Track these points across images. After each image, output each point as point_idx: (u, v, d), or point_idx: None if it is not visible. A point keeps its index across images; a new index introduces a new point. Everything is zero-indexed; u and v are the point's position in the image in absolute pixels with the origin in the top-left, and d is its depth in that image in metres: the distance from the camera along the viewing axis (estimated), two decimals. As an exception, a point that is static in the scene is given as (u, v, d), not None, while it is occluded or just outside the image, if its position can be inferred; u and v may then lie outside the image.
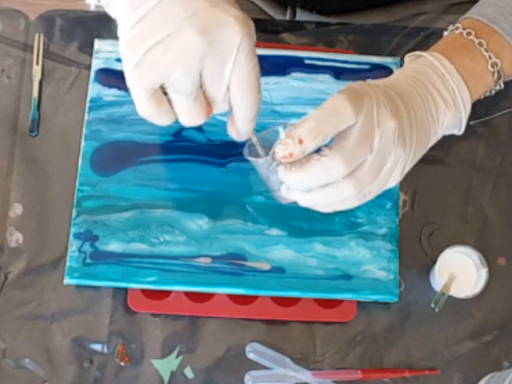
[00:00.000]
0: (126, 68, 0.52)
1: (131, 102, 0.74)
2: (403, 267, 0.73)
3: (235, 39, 0.51)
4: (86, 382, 0.70)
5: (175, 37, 0.50)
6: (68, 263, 0.71)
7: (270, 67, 0.77)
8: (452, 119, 0.61)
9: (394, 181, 0.58)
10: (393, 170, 0.56)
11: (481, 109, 0.78)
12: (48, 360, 0.71)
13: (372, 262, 0.72)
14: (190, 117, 0.55)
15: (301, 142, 0.52)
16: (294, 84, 0.77)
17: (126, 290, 0.72)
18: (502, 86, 0.65)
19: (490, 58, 0.62)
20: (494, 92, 0.66)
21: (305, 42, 0.81)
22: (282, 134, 0.55)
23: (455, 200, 0.76)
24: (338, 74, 0.77)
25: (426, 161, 0.76)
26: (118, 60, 0.76)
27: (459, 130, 0.63)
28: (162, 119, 0.55)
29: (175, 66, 0.51)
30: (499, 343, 0.73)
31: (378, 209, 0.73)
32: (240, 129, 0.56)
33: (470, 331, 0.73)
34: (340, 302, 0.72)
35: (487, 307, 0.74)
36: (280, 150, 0.53)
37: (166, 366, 0.71)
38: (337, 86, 0.77)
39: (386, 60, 0.78)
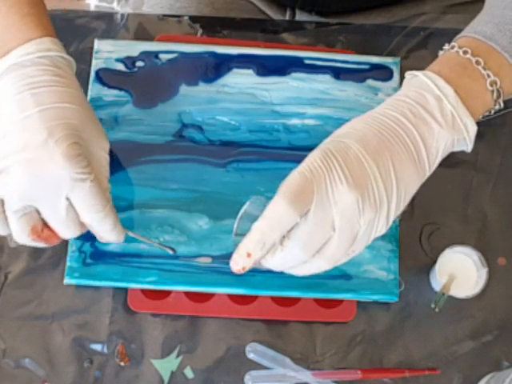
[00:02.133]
0: None
1: (131, 102, 0.75)
2: (403, 267, 0.73)
3: (61, 175, 0.56)
4: (86, 382, 0.71)
5: (12, 173, 0.56)
6: (68, 263, 0.71)
7: (269, 67, 0.77)
8: (453, 141, 0.58)
9: (380, 232, 0.57)
10: (371, 230, 0.56)
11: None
12: (48, 360, 0.71)
13: (372, 262, 0.72)
14: (14, 232, 0.59)
15: (249, 255, 0.55)
16: (293, 84, 0.77)
17: (125, 290, 0.72)
18: (502, 105, 0.61)
19: (489, 76, 0.59)
20: (493, 112, 0.62)
21: (305, 42, 0.81)
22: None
23: (455, 200, 0.76)
24: (338, 73, 0.77)
25: (425, 161, 0.77)
26: (118, 60, 0.76)
27: (467, 148, 0.60)
28: None
29: (9, 191, 0.57)
30: (499, 343, 0.73)
31: (377, 209, 0.73)
32: (108, 239, 0.62)
33: (469, 331, 0.73)
34: (340, 301, 0.72)
35: (487, 307, 0.74)
36: (233, 265, 0.56)
37: (166, 366, 0.71)
38: (337, 85, 0.77)
39: (386, 60, 0.78)
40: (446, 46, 0.62)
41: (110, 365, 0.71)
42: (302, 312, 0.72)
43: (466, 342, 0.73)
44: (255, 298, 0.72)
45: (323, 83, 0.77)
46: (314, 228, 0.54)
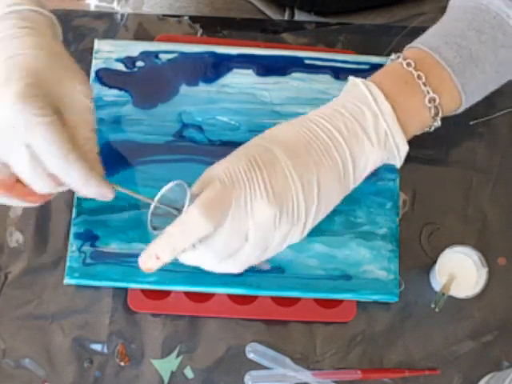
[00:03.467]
0: None
1: (131, 102, 0.75)
2: (403, 267, 0.73)
3: (14, 119, 0.51)
4: (86, 382, 0.71)
5: None
6: (68, 263, 0.71)
7: (269, 67, 0.77)
8: (382, 159, 0.57)
9: (293, 241, 0.56)
10: (284, 241, 0.55)
11: (481, 109, 0.78)
12: (48, 360, 0.71)
13: (372, 262, 0.72)
14: None
15: (158, 258, 0.54)
16: (293, 84, 0.77)
17: (125, 290, 0.72)
18: (439, 123, 0.59)
19: (428, 92, 0.57)
20: (432, 128, 0.60)
21: (304, 42, 0.81)
22: (188, 193, 0.55)
23: (455, 200, 0.76)
24: (338, 73, 0.77)
25: (425, 161, 0.77)
26: (118, 60, 0.76)
27: (397, 165, 0.59)
28: None
29: None
30: (499, 343, 0.73)
31: (378, 209, 0.73)
32: (88, 194, 0.56)
33: (469, 331, 0.73)
34: (340, 301, 0.72)
35: (487, 307, 0.74)
36: (141, 264, 0.55)
37: (166, 366, 0.71)
38: (337, 85, 0.77)
39: (386, 60, 0.78)
40: (393, 56, 0.61)
41: (110, 365, 0.71)
42: (302, 312, 0.72)
43: (466, 342, 0.73)
44: (255, 298, 0.72)
45: (323, 83, 0.77)
46: (228, 238, 0.53)
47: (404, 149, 0.57)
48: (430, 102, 0.58)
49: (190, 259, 0.55)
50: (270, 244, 0.55)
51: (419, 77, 0.58)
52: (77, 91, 0.55)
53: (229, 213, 0.53)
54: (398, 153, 0.57)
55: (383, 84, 0.57)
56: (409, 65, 0.58)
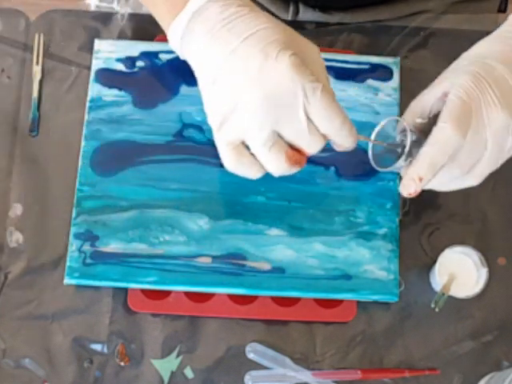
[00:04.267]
0: (212, 126, 0.58)
1: (131, 102, 0.75)
2: (403, 267, 0.73)
3: (293, 87, 0.54)
4: (86, 382, 0.70)
5: (243, 107, 0.55)
6: (68, 263, 0.71)
7: (270, 67, 0.77)
8: None
9: None
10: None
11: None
12: (48, 360, 0.71)
13: (372, 262, 0.72)
14: (271, 165, 0.58)
15: (420, 179, 0.58)
16: (294, 84, 0.77)
17: (125, 289, 0.72)
18: None
19: None
20: None
21: (305, 42, 0.81)
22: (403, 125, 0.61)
23: (455, 200, 0.76)
24: (338, 74, 0.77)
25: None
26: (118, 60, 0.76)
27: None
28: (246, 171, 0.59)
29: (248, 128, 0.56)
30: (499, 343, 0.73)
31: (377, 209, 0.73)
32: (346, 146, 0.59)
33: (469, 331, 0.73)
34: (340, 301, 0.72)
35: (487, 307, 0.74)
36: (403, 190, 0.60)
37: (166, 366, 0.71)
38: (337, 85, 0.76)
39: (386, 60, 0.78)
40: None
41: (110, 365, 0.71)
42: (302, 312, 0.72)
43: (466, 342, 0.73)
44: (255, 297, 0.72)
45: (323, 83, 0.77)
46: (471, 148, 0.58)
47: None
48: None
49: (441, 177, 0.60)
50: (504, 149, 0.59)
51: None
52: (313, 54, 0.58)
53: (471, 123, 0.57)
54: None
55: None
56: None
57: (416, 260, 0.74)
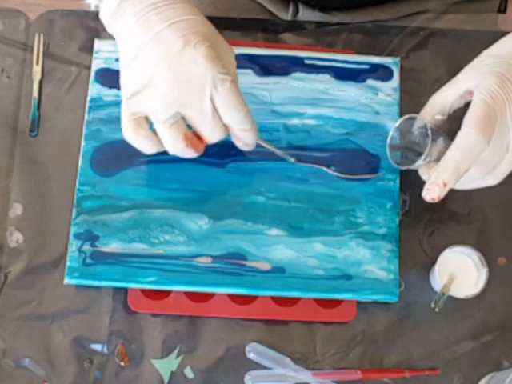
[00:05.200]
0: (122, 96, 0.62)
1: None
2: (403, 267, 0.73)
3: (204, 75, 0.58)
4: (86, 382, 0.71)
5: (155, 85, 0.59)
6: (68, 263, 0.71)
7: (270, 67, 0.77)
8: None
9: None
10: None
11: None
12: (48, 360, 0.71)
13: (372, 262, 0.72)
14: (168, 141, 0.62)
15: (445, 185, 0.59)
16: (293, 84, 0.77)
17: (125, 289, 0.72)
18: None
19: None
20: None
21: (305, 43, 0.81)
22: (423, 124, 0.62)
23: (455, 200, 0.76)
24: (338, 74, 0.77)
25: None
26: (118, 60, 0.76)
27: None
28: (141, 143, 0.63)
29: (155, 104, 0.60)
30: (499, 343, 0.73)
31: (377, 209, 0.73)
32: (246, 142, 0.64)
33: (470, 331, 0.73)
34: (340, 301, 0.72)
35: (487, 307, 0.74)
36: (427, 195, 0.61)
37: (165, 366, 0.71)
38: (337, 85, 0.77)
39: (386, 60, 0.78)
40: None
41: (110, 365, 0.71)
42: (302, 312, 0.72)
43: (465, 342, 0.73)
44: (255, 297, 0.72)
45: (323, 83, 0.77)
46: (494, 151, 0.58)
47: None
48: None
49: (462, 180, 0.60)
50: None
51: None
52: (228, 51, 0.62)
53: (495, 127, 0.57)
54: None
55: None
56: None
57: (416, 260, 0.74)
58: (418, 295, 0.74)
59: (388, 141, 0.64)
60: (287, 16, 0.87)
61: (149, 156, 0.73)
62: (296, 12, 0.88)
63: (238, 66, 0.76)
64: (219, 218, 0.72)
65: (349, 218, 0.73)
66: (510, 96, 0.58)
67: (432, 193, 0.60)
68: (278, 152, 0.70)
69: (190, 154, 0.63)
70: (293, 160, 0.70)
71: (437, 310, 0.69)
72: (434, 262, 0.71)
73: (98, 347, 0.71)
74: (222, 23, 0.81)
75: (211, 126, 0.61)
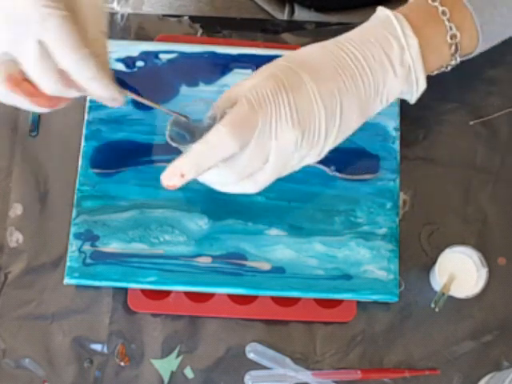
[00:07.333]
0: None
1: (131, 102, 0.75)
2: (403, 267, 0.73)
3: (28, 9, 0.50)
4: (86, 382, 0.71)
5: None
6: (68, 263, 0.71)
7: (269, 67, 0.77)
8: (401, 92, 0.59)
9: (308, 162, 0.58)
10: (301, 162, 0.57)
11: (481, 109, 0.78)
12: (48, 360, 0.71)
13: (372, 262, 0.72)
14: None
15: (182, 176, 0.55)
16: (293, 84, 0.77)
17: (125, 289, 0.72)
18: (458, 60, 0.60)
19: (451, 29, 0.58)
20: (449, 68, 0.62)
21: (305, 42, 0.80)
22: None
23: (455, 200, 0.76)
24: (338, 74, 0.77)
25: (425, 160, 0.77)
26: (118, 60, 0.76)
27: (410, 100, 0.61)
28: None
29: None
30: (499, 343, 0.73)
31: (377, 209, 0.73)
32: (98, 93, 0.56)
33: (470, 331, 0.73)
34: (340, 301, 0.72)
35: (487, 307, 0.74)
36: (164, 180, 0.56)
37: (165, 366, 0.71)
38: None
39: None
40: None
41: (110, 365, 0.71)
42: (302, 312, 0.72)
43: (465, 342, 0.73)
44: (255, 297, 0.72)
45: (323, 83, 0.77)
46: (250, 158, 0.55)
47: (422, 85, 0.59)
48: (451, 38, 0.59)
49: (208, 176, 0.57)
50: (289, 165, 0.57)
51: (443, 12, 0.59)
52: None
53: (254, 134, 0.54)
54: (416, 88, 0.58)
55: (409, 17, 0.58)
56: (434, 0, 0.59)
57: (416, 260, 0.74)
58: (418, 295, 0.74)
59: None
60: (283, 16, 0.87)
61: (149, 156, 0.74)
62: (292, 12, 0.88)
63: (239, 66, 0.76)
64: (219, 218, 0.72)
65: (349, 218, 0.73)
66: (281, 108, 0.54)
67: (169, 180, 0.56)
68: (166, 110, 0.62)
69: (23, 103, 0.55)
70: (184, 119, 0.61)
71: (437, 309, 0.69)
72: (433, 262, 0.71)
73: (97, 347, 0.71)
74: (221, 23, 0.82)
75: (40, 70, 0.52)
